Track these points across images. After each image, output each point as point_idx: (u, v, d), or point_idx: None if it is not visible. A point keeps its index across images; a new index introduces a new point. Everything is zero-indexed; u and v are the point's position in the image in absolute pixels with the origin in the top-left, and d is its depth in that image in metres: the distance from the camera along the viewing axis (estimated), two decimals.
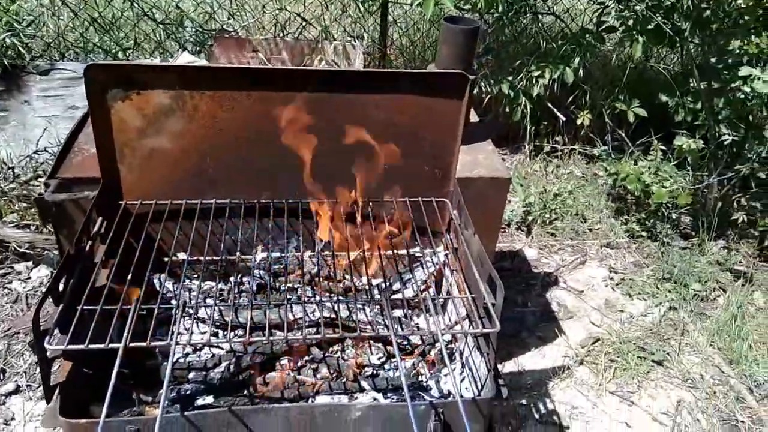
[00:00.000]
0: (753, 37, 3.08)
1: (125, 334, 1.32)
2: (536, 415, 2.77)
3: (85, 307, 1.40)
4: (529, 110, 4.21)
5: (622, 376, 2.99)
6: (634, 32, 3.95)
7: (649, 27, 3.88)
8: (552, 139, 4.66)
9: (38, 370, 2.77)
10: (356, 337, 1.66)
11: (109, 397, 1.18)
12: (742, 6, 2.96)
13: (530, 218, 3.93)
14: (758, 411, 2.82)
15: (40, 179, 3.48)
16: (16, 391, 2.67)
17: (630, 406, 2.85)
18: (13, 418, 2.57)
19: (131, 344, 1.31)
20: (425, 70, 2.36)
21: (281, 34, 4.54)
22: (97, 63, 1.62)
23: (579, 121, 4.40)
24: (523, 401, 2.81)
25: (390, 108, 1.82)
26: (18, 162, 3.45)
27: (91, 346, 1.31)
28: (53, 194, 2.08)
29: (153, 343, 1.33)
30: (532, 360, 3.04)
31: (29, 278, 3.22)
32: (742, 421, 2.77)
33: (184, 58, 3.69)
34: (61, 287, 1.47)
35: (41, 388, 2.68)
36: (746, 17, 3.03)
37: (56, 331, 1.39)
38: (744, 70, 3.00)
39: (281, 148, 1.79)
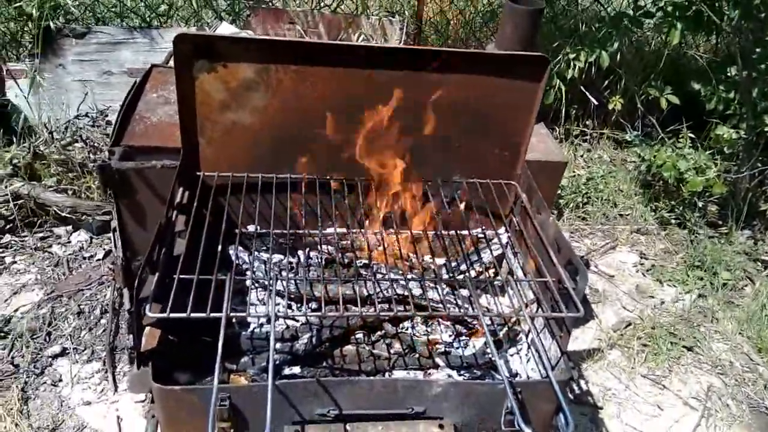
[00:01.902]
0: None
1: (225, 304, 1.34)
2: (571, 396, 2.83)
3: (181, 276, 1.41)
4: (563, 93, 4.20)
5: (654, 360, 3.04)
6: (672, 18, 3.93)
7: (688, 14, 3.86)
8: (582, 122, 4.65)
9: (81, 334, 2.82)
10: (446, 316, 1.69)
11: (218, 366, 1.21)
12: None
13: (562, 201, 3.94)
14: None
15: (77, 144, 3.49)
16: (62, 353, 2.71)
17: (661, 390, 2.91)
18: (60, 380, 2.61)
19: (232, 314, 1.34)
20: (485, 50, 2.35)
21: (318, 7, 4.49)
22: (186, 33, 1.61)
23: (611, 106, 4.39)
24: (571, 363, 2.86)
25: (466, 89, 1.82)
26: (56, 126, 3.44)
27: (193, 315, 1.33)
28: (119, 162, 2.09)
29: (252, 314, 1.35)
30: None
31: (69, 242, 3.24)
32: None
33: (225, 29, 3.66)
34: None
35: (87, 351, 2.75)
36: None
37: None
38: None
39: (356, 126, 1.79)
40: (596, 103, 4.46)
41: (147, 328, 1.53)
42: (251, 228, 1.88)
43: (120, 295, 2.91)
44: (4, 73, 3.57)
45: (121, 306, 2.87)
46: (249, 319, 1.71)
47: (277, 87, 1.72)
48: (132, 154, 2.12)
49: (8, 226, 3.21)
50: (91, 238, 3.28)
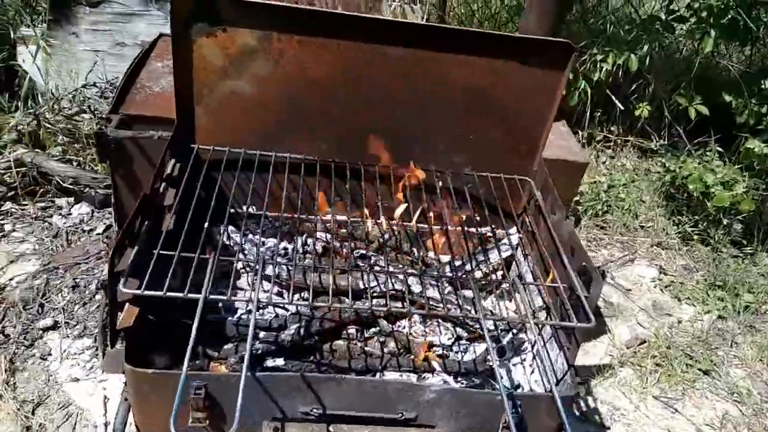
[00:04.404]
0: None
1: (205, 284, 1.23)
2: (577, 412, 2.68)
3: (162, 252, 1.31)
4: (588, 95, 4.04)
5: (667, 381, 2.88)
6: (706, 25, 3.78)
7: (723, 20, 3.69)
8: (606, 128, 4.49)
9: (75, 308, 2.73)
10: (441, 315, 1.57)
11: (190, 351, 1.10)
12: None
13: (580, 208, 3.79)
14: None
15: (85, 114, 3.41)
16: (54, 326, 2.63)
17: (673, 413, 2.75)
18: (49, 354, 2.53)
19: (211, 296, 1.23)
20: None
21: None
22: None
23: (637, 113, 4.23)
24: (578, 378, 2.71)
25: (483, 73, 1.70)
26: (64, 95, 3.36)
27: (170, 294, 1.22)
28: (116, 130, 1.99)
29: (234, 298, 1.24)
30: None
31: (70, 214, 3.16)
32: None
33: None
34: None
35: (78, 326, 2.66)
36: None
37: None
38: None
39: (366, 106, 1.67)
40: (622, 108, 4.30)
41: (126, 305, 1.42)
42: (245, 208, 1.77)
43: None
44: (15, 37, 3.51)
45: None
46: (236, 305, 1.60)
47: (279, 57, 1.61)
48: (130, 122, 2.03)
49: (10, 194, 3.13)
50: (93, 211, 3.20)
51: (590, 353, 2.98)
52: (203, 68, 1.60)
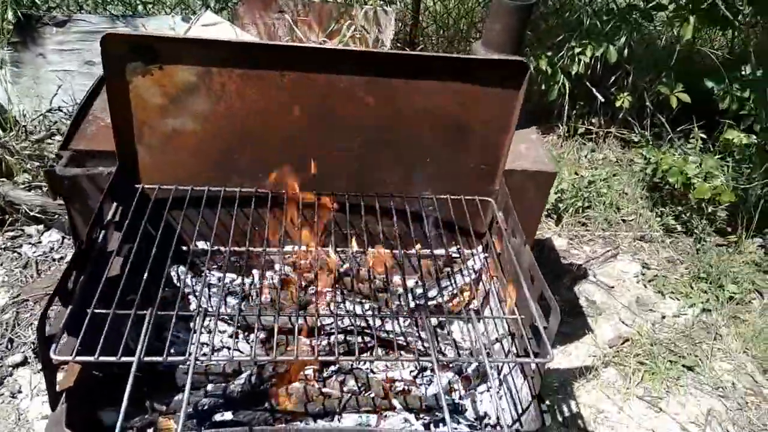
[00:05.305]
0: None
1: (139, 346, 1.18)
2: (560, 418, 2.65)
3: (96, 311, 1.26)
4: (567, 89, 3.98)
5: (651, 380, 2.86)
6: (685, 12, 3.71)
7: (702, 7, 3.63)
8: (587, 120, 4.43)
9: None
10: (393, 360, 1.52)
11: (122, 416, 1.05)
12: None
13: (561, 205, 3.74)
14: None
15: (54, 137, 3.34)
16: (24, 362, 2.58)
17: (658, 413, 2.72)
18: (20, 391, 2.48)
19: (146, 358, 1.18)
20: (471, 51, 2.15)
21: None
22: (116, 32, 1.44)
23: (618, 103, 4.17)
24: (547, 402, 2.68)
25: (436, 96, 1.64)
26: (30, 120, 3.29)
27: (102, 359, 1.18)
28: (65, 168, 1.93)
29: (170, 359, 1.19)
30: (556, 358, 2.90)
31: (40, 242, 3.11)
32: None
33: (207, 18, 3.48)
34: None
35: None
36: None
37: (65, 334, 1.26)
38: None
39: (314, 135, 1.62)
40: (603, 100, 4.24)
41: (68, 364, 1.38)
42: (198, 246, 1.71)
43: None
44: None
45: None
46: (190, 348, 1.55)
47: (221, 92, 1.55)
48: (80, 158, 1.97)
49: None
50: (63, 238, 3.14)
51: (573, 355, 2.95)
52: (142, 107, 1.55)
